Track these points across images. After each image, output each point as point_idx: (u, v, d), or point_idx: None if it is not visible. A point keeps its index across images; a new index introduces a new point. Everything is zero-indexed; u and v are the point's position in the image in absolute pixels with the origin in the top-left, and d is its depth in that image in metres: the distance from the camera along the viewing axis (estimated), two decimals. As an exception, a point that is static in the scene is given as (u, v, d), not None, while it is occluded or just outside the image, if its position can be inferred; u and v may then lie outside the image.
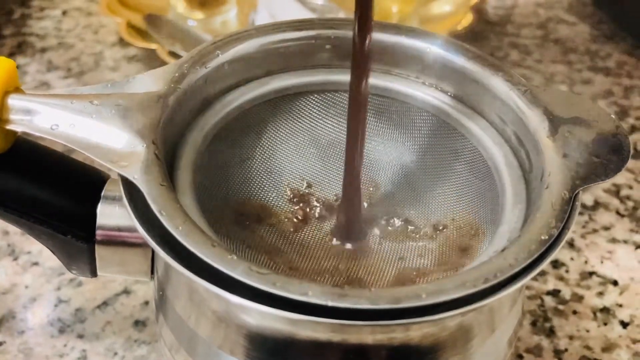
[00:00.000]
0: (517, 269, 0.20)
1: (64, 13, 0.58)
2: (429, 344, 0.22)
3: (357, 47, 0.24)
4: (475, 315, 0.22)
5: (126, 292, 0.36)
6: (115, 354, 0.33)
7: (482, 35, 0.58)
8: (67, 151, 0.28)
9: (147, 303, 0.35)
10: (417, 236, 0.28)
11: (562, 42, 0.58)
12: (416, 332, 0.22)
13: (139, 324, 0.34)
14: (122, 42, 0.54)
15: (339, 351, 0.22)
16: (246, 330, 0.22)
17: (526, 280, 0.20)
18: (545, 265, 0.20)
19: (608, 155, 0.23)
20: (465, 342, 0.23)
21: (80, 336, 0.33)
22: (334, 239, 0.28)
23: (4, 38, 0.54)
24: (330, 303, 0.18)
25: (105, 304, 0.35)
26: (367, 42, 0.24)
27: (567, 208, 0.22)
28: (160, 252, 0.20)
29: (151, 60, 0.52)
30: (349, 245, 0.28)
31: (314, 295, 0.18)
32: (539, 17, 0.61)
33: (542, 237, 0.21)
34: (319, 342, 0.22)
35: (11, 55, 0.53)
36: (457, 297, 0.19)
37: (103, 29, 0.56)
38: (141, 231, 0.20)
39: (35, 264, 0.37)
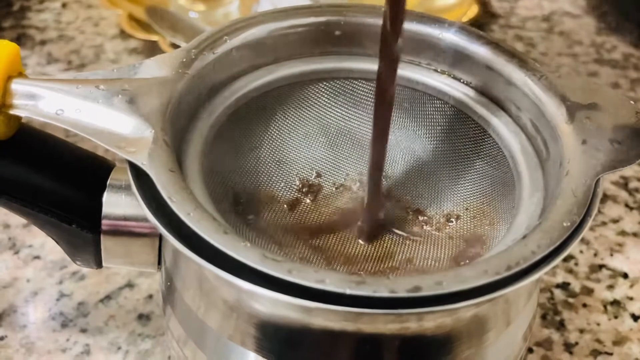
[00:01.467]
0: (539, 256, 0.19)
1: (64, 5, 0.57)
2: (443, 336, 0.22)
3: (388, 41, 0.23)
4: (491, 307, 0.22)
5: (129, 285, 0.35)
6: (119, 348, 0.32)
7: (487, 28, 0.57)
8: (75, 141, 0.28)
9: (151, 296, 0.35)
10: (431, 226, 0.28)
11: (567, 34, 0.57)
12: (431, 322, 0.21)
13: (143, 317, 0.34)
14: (123, 35, 0.54)
15: (352, 341, 0.22)
16: (258, 320, 0.22)
17: (549, 267, 0.19)
18: (568, 252, 0.20)
19: (629, 141, 0.23)
20: (481, 335, 0.22)
21: (83, 330, 0.33)
22: (345, 228, 0.28)
23: (3, 30, 0.54)
24: (348, 291, 0.18)
25: (108, 297, 0.34)
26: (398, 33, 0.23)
27: (589, 195, 0.21)
28: (172, 239, 0.19)
29: (152, 52, 0.51)
30: (360, 235, 0.28)
31: (331, 282, 0.18)
32: (543, 10, 0.61)
33: (564, 224, 0.20)
34: (332, 332, 0.21)
35: (10, 47, 0.52)
36: (479, 285, 0.18)
37: (103, 22, 0.56)
38: (151, 218, 0.20)
39: (37, 257, 0.36)
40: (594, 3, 0.61)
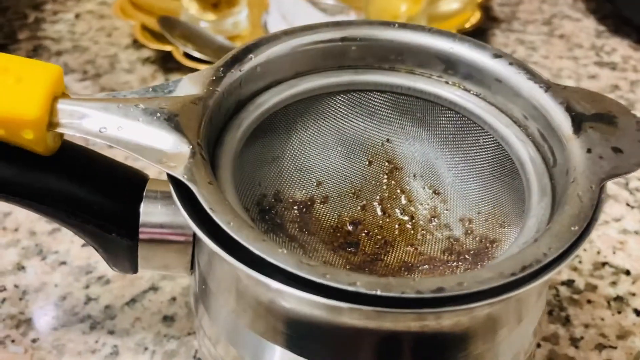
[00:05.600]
0: (551, 258, 0.21)
1: (77, 16, 0.58)
2: (460, 333, 0.23)
3: None
4: (505, 305, 0.23)
5: (153, 288, 0.36)
6: (146, 349, 0.33)
7: (489, 33, 0.58)
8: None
9: (174, 299, 0.36)
10: (444, 230, 0.29)
11: (567, 37, 0.58)
12: (449, 320, 0.22)
13: (168, 319, 0.35)
14: (136, 44, 0.55)
15: (375, 337, 0.23)
16: (288, 318, 0.23)
17: (560, 268, 0.21)
18: (577, 253, 0.21)
19: (630, 150, 0.24)
20: (495, 331, 0.24)
21: (111, 332, 0.34)
22: (361, 232, 0.29)
23: (20, 42, 0.55)
24: (379, 292, 0.19)
25: (133, 300, 0.36)
26: None
27: (595, 200, 0.23)
28: (217, 249, 0.21)
29: (165, 61, 0.53)
30: (376, 237, 0.29)
31: (362, 285, 0.19)
32: (543, 14, 0.62)
33: (573, 228, 0.22)
34: (356, 328, 0.22)
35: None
36: (497, 285, 0.20)
37: (116, 32, 0.57)
38: (195, 229, 0.21)
39: (63, 263, 0.38)
40: (593, 6, 0.62)
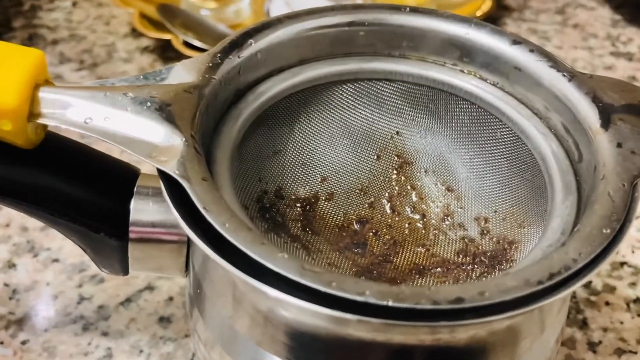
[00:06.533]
0: (581, 265, 0.19)
1: (74, 4, 0.57)
2: (476, 347, 0.22)
3: None
4: (528, 315, 0.22)
5: (149, 288, 0.35)
6: (141, 351, 0.32)
7: (500, 22, 0.57)
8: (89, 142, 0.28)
9: (171, 299, 0.35)
10: (458, 230, 0.28)
11: (581, 27, 0.57)
12: (466, 333, 0.21)
13: (164, 320, 0.34)
14: (134, 33, 0.54)
15: (382, 350, 0.21)
16: (287, 327, 0.22)
17: (591, 275, 0.19)
18: (609, 259, 0.20)
19: None
20: (516, 343, 0.22)
21: (105, 334, 0.33)
22: (369, 231, 0.28)
23: (15, 30, 0.54)
24: (390, 303, 0.18)
25: (128, 300, 0.35)
26: None
27: (627, 199, 0.21)
28: (211, 253, 0.19)
29: (164, 50, 0.51)
30: (384, 237, 0.28)
31: (371, 295, 0.18)
32: (557, 2, 0.60)
33: (604, 231, 0.20)
34: (362, 341, 0.21)
35: (22, 47, 0.52)
36: (522, 294, 0.18)
37: (114, 20, 0.56)
38: (187, 230, 0.20)
39: (56, 260, 0.36)
40: (608, -5, 0.61)
